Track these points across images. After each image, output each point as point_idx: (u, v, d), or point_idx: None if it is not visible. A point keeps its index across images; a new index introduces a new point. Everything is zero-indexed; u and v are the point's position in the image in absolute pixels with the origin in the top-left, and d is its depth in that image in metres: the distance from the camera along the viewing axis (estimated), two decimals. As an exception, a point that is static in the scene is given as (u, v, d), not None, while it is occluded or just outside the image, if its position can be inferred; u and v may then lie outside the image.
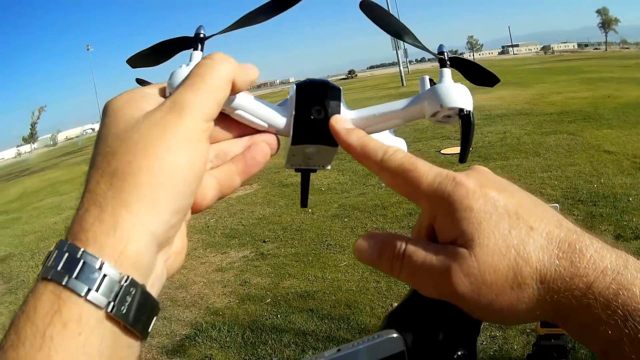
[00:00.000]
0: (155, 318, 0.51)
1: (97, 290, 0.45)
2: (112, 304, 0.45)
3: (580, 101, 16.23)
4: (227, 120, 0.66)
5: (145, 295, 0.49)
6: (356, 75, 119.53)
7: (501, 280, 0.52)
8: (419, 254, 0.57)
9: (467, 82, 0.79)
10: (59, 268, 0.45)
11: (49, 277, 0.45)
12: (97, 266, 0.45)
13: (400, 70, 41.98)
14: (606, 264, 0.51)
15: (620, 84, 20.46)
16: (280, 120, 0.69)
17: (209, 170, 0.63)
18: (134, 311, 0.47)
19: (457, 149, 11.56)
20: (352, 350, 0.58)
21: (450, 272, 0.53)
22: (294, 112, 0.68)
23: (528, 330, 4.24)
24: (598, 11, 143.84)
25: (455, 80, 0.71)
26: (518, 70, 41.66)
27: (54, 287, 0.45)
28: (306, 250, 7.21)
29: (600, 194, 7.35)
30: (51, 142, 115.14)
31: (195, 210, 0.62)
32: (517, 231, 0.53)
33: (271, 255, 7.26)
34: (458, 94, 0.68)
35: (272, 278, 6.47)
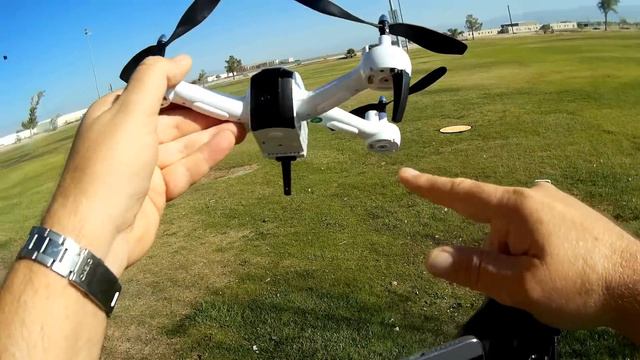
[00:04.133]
0: (117, 294, 0.59)
1: (60, 261, 0.53)
2: (72, 272, 0.53)
3: (580, 80, 16.19)
4: (194, 114, 0.75)
5: (102, 267, 0.57)
6: (355, 55, 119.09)
7: (570, 287, 0.55)
8: (494, 265, 0.60)
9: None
10: (30, 247, 0.54)
11: (23, 255, 0.54)
12: (60, 242, 0.53)
13: (398, 49, 41.98)
14: None
15: (620, 63, 20.40)
16: (238, 108, 0.75)
17: (179, 160, 0.73)
18: (92, 280, 0.55)
19: (456, 128, 11.65)
20: (435, 354, 0.61)
21: (524, 280, 0.57)
22: (249, 99, 0.74)
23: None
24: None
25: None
26: (518, 49, 41.60)
27: (26, 262, 0.53)
28: (305, 230, 7.23)
29: (599, 173, 7.35)
30: (51, 127, 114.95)
31: (169, 197, 0.73)
32: (583, 242, 0.56)
33: (271, 235, 7.27)
34: (389, 55, 0.70)
35: (272, 257, 6.48)
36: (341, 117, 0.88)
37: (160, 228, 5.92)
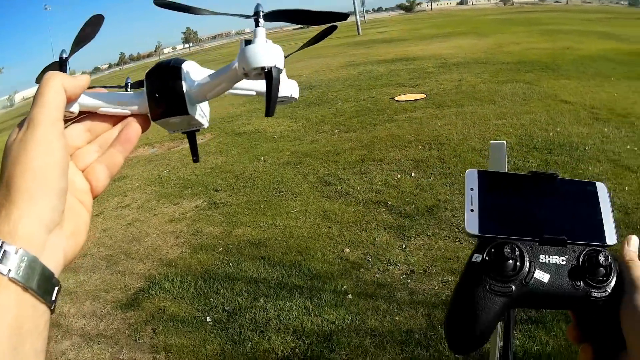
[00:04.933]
0: (57, 288, 0.66)
1: (0, 261, 0.59)
2: (10, 270, 0.59)
3: (539, 52, 16.31)
4: (102, 116, 0.82)
5: (38, 263, 0.63)
6: (309, 27, 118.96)
7: None
8: None
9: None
10: None
11: None
12: None
13: (356, 19, 42.00)
14: None
15: (581, 36, 20.62)
16: (138, 104, 0.81)
17: (96, 159, 0.80)
18: (27, 275, 0.61)
19: (411, 96, 11.68)
20: None
21: None
22: (146, 95, 0.80)
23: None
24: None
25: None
26: (476, 21, 41.77)
27: None
28: (258, 198, 7.20)
29: (555, 142, 7.43)
30: (8, 104, 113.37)
31: (95, 194, 0.80)
32: None
33: (223, 204, 7.23)
34: (259, 54, 0.74)
35: (224, 227, 6.45)
36: (236, 85, 0.88)
37: (114, 200, 5.90)
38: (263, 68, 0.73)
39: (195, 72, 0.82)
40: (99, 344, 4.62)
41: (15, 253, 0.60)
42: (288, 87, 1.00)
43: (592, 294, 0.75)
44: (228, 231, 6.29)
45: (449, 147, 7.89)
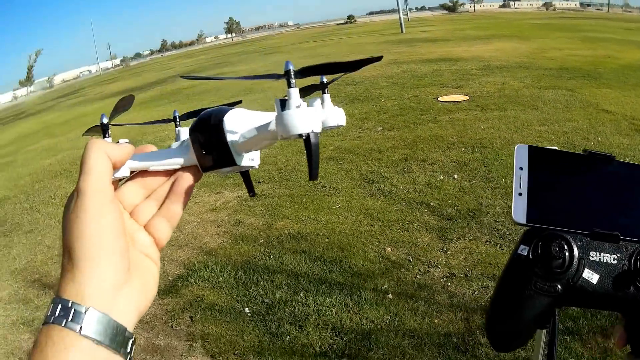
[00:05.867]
0: (131, 341, 0.71)
1: (71, 320, 0.65)
2: (81, 327, 0.64)
3: (580, 59, 16.03)
4: (154, 172, 0.84)
5: (107, 318, 0.67)
6: (355, 21, 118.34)
7: None
8: None
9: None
10: (49, 314, 0.66)
11: (44, 322, 0.66)
12: (69, 305, 0.66)
13: (400, 17, 41.70)
14: None
15: (621, 45, 20.19)
16: (186, 158, 0.82)
17: (156, 213, 0.83)
18: (98, 330, 0.66)
19: (455, 97, 11.60)
20: None
21: None
22: (191, 148, 0.82)
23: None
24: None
25: None
26: (519, 24, 41.27)
27: (47, 326, 0.65)
28: (300, 192, 7.22)
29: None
30: (48, 85, 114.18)
31: (159, 246, 0.83)
32: None
33: (265, 196, 7.26)
34: (295, 123, 0.74)
35: (266, 219, 6.47)
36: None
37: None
38: (301, 135, 0.74)
39: (239, 123, 0.83)
40: (134, 328, 4.66)
41: (85, 312, 0.66)
42: (335, 117, 0.96)
43: None
44: (269, 223, 6.32)
45: (491, 151, 7.82)
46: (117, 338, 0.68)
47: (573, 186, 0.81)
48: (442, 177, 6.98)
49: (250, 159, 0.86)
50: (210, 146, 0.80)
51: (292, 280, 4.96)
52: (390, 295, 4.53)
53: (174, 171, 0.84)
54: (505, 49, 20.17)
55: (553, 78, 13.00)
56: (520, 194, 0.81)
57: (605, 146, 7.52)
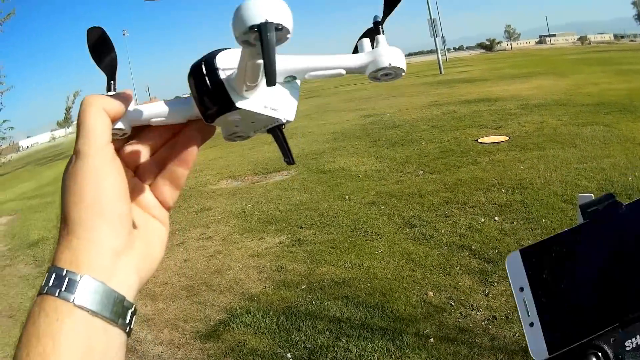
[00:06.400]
0: (130, 311, 0.67)
1: (64, 289, 0.62)
2: (74, 297, 0.61)
3: (616, 92, 15.95)
4: (159, 129, 0.80)
5: (104, 288, 0.64)
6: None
7: None
8: None
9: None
10: (43, 284, 0.64)
11: (39, 292, 0.64)
12: (63, 274, 0.63)
13: (438, 58, 41.93)
14: None
15: (656, 76, 20.14)
16: (189, 110, 0.76)
17: (160, 175, 0.79)
18: (94, 300, 0.63)
19: (494, 138, 11.58)
20: None
21: None
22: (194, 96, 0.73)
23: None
24: (634, 2, 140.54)
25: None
26: (555, 60, 41.17)
27: (41, 296, 0.63)
28: (342, 237, 7.23)
29: (635, 187, 7.26)
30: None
31: (166, 208, 0.80)
32: None
33: (307, 242, 7.29)
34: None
35: (308, 264, 6.50)
36: (314, 65, 0.78)
37: (196, 232, 6.00)
38: (252, 28, 0.57)
39: (234, 60, 0.71)
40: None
41: (79, 280, 0.62)
42: (388, 55, 0.77)
43: None
44: (312, 269, 6.34)
45: (531, 192, 7.78)
46: (115, 308, 0.65)
47: (586, 271, 0.73)
48: (483, 220, 6.96)
49: (269, 108, 0.75)
50: (206, 88, 0.71)
51: (335, 326, 4.96)
52: (432, 340, 4.51)
53: (181, 128, 0.79)
54: (542, 86, 20.14)
55: (590, 114, 12.95)
56: (531, 324, 0.76)
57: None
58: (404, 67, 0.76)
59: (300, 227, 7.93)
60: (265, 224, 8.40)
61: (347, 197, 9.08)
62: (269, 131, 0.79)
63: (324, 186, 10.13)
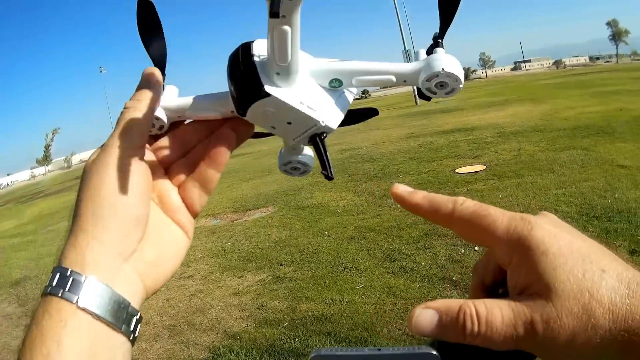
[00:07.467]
0: (135, 318, 0.65)
1: (68, 290, 0.60)
2: (78, 298, 0.59)
3: (593, 115, 16.24)
4: (195, 126, 0.79)
5: (109, 291, 0.62)
6: (370, 95, 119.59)
7: (576, 323, 0.52)
8: (494, 314, 0.55)
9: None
10: (47, 284, 0.61)
11: (43, 293, 0.61)
12: (67, 274, 0.61)
13: (413, 89, 41.82)
14: None
15: (632, 96, 20.43)
16: (224, 101, 0.74)
17: (190, 176, 0.76)
18: (98, 303, 0.60)
19: (471, 168, 11.63)
20: (390, 353, 0.55)
21: (534, 325, 0.53)
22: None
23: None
24: (608, 23, 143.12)
25: None
26: (531, 86, 41.72)
27: (45, 297, 0.61)
28: (323, 273, 7.21)
29: (614, 209, 7.32)
30: (65, 165, 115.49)
31: (192, 213, 0.76)
32: (590, 274, 0.53)
33: (288, 279, 7.27)
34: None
35: (290, 301, 6.47)
36: (362, 68, 0.75)
37: (177, 270, 6.01)
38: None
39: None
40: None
41: (84, 281, 0.60)
42: (442, 61, 0.73)
43: None
44: (293, 306, 6.30)
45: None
46: (119, 314, 0.62)
47: None
48: (463, 251, 6.97)
49: (305, 106, 0.71)
50: (239, 72, 0.69)
51: (318, 363, 4.93)
52: (416, 374, 4.51)
53: (217, 126, 0.76)
54: (519, 113, 20.41)
55: (568, 138, 13.12)
56: None
57: (622, 202, 7.51)
58: (461, 76, 0.72)
59: (281, 265, 7.90)
60: (245, 262, 8.37)
61: (326, 232, 9.07)
62: (310, 140, 0.75)
63: (303, 222, 10.12)
